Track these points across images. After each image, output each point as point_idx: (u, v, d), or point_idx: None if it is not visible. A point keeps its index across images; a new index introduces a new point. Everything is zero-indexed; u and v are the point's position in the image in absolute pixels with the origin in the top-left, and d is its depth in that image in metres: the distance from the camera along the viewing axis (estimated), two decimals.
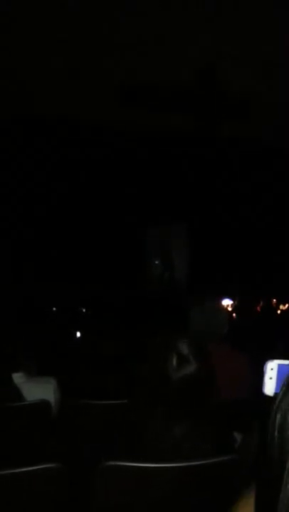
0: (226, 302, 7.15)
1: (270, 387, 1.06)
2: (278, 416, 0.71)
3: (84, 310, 5.08)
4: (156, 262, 10.40)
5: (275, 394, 1.08)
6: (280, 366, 1.06)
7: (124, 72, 7.66)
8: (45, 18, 6.78)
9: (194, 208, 10.10)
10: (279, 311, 6.96)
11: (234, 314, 5.70)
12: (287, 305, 6.92)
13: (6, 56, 7.26)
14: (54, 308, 5.03)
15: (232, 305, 7.12)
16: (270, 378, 1.06)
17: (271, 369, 1.06)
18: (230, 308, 6.72)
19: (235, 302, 7.13)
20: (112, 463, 1.41)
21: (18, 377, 2.07)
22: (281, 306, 6.95)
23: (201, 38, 7.07)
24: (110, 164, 9.92)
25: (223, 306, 6.09)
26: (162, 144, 9.77)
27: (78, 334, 3.33)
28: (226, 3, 6.59)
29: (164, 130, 9.24)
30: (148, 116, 8.70)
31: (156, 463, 1.43)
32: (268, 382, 1.06)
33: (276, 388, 1.06)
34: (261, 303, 6.57)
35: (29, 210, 9.36)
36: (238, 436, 1.74)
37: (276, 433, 0.71)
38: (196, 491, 1.47)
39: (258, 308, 6.42)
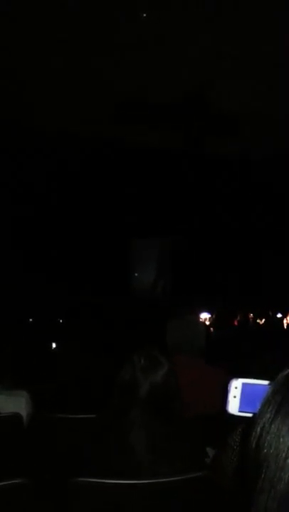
0: (204, 316, 7.16)
1: (233, 405, 1.05)
2: (256, 434, 0.70)
3: (61, 321, 5.07)
4: (136, 274, 10.57)
5: (243, 413, 1.07)
6: (244, 385, 1.05)
7: (122, 75, 7.65)
8: (45, 18, 6.77)
9: (177, 223, 10.27)
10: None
11: (211, 328, 5.69)
12: (263, 320, 6.92)
13: (6, 56, 7.27)
14: (30, 319, 5.03)
15: (210, 319, 7.12)
16: (234, 397, 1.05)
17: (235, 388, 1.05)
18: (208, 322, 6.73)
19: (213, 316, 7.12)
20: (83, 479, 1.41)
21: None
22: (258, 321, 6.95)
23: (201, 38, 7.05)
24: (101, 172, 10.02)
25: (200, 319, 6.12)
26: (152, 157, 9.87)
27: (54, 345, 3.33)
28: (226, 3, 6.55)
29: (155, 143, 9.33)
30: (140, 131, 8.78)
31: (126, 479, 1.43)
32: (231, 400, 1.05)
33: (240, 407, 1.05)
34: (238, 317, 6.57)
35: (14, 219, 9.43)
36: (210, 451, 1.74)
37: (252, 450, 0.70)
38: (168, 507, 1.46)
39: (235, 322, 6.42)
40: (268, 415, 0.69)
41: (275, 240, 10.12)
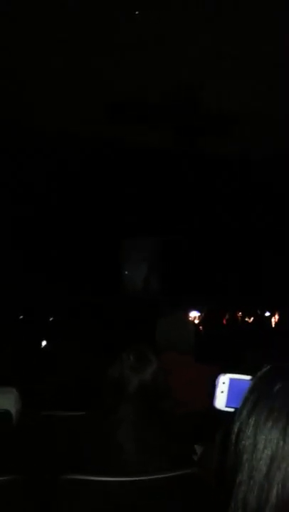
0: (194, 314, 7.15)
1: (220, 401, 1.05)
2: (236, 428, 0.73)
3: (51, 318, 5.06)
4: (126, 273, 10.58)
5: (230, 408, 1.08)
6: (231, 380, 1.06)
7: (122, 75, 7.66)
8: (45, 18, 6.77)
9: (168, 222, 10.29)
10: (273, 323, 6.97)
11: (201, 327, 5.70)
12: (252, 318, 6.93)
13: (6, 56, 7.28)
14: (21, 317, 5.01)
15: (199, 317, 7.11)
16: (222, 392, 1.05)
17: (223, 383, 1.06)
18: (197, 321, 6.74)
19: (203, 314, 7.12)
20: (72, 476, 1.41)
21: None
22: (247, 319, 6.96)
23: (201, 38, 7.05)
24: (101, 172, 10.04)
25: (190, 317, 6.11)
26: (152, 157, 9.89)
27: (44, 343, 3.32)
28: (226, 3, 6.55)
29: (154, 143, 9.34)
30: (132, 130, 8.80)
31: (115, 476, 1.43)
32: (219, 396, 1.05)
33: (227, 402, 1.05)
34: (227, 316, 6.58)
35: (14, 219, 9.44)
36: (198, 448, 1.74)
37: (233, 444, 0.73)
38: (156, 504, 1.47)
39: (224, 321, 6.44)
40: (247, 410, 0.72)
41: (274, 240, 10.13)
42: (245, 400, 0.73)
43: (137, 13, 6.38)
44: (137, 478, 1.43)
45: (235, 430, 0.72)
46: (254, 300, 8.36)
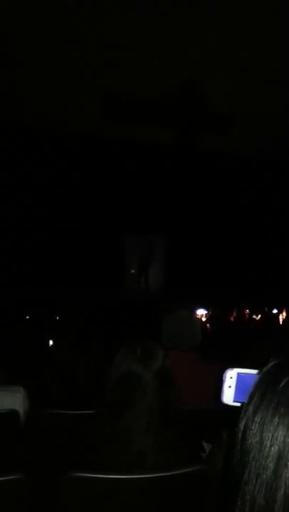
0: (201, 312, 7.16)
1: (228, 395, 1.05)
2: (242, 425, 0.73)
3: (57, 318, 5.06)
4: (132, 271, 10.57)
5: (237, 403, 1.07)
6: (239, 375, 1.05)
7: (122, 75, 7.67)
8: (45, 18, 6.78)
9: (174, 219, 10.27)
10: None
11: (208, 325, 5.70)
12: (259, 315, 6.93)
13: (6, 56, 7.29)
14: (27, 317, 5.01)
15: (206, 315, 7.12)
16: (229, 387, 1.05)
17: (230, 377, 1.05)
18: (204, 319, 6.74)
19: (210, 312, 7.12)
20: (77, 474, 1.40)
21: None
22: (254, 316, 6.96)
23: (201, 38, 7.06)
24: (100, 172, 10.03)
25: (197, 315, 6.11)
26: (144, 155, 9.88)
27: (51, 342, 3.31)
28: (226, 3, 6.56)
29: (147, 141, 9.33)
30: (133, 127, 8.79)
31: (121, 474, 1.42)
32: (226, 390, 1.05)
33: (235, 397, 1.05)
34: (234, 313, 6.59)
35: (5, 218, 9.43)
36: (207, 446, 1.73)
37: (239, 442, 0.73)
38: (163, 502, 1.45)
39: (231, 318, 6.45)
40: (253, 407, 0.72)
41: (277, 238, 10.13)
42: (251, 397, 0.73)
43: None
44: (143, 476, 1.42)
45: (242, 428, 0.72)
46: (261, 298, 8.36)
